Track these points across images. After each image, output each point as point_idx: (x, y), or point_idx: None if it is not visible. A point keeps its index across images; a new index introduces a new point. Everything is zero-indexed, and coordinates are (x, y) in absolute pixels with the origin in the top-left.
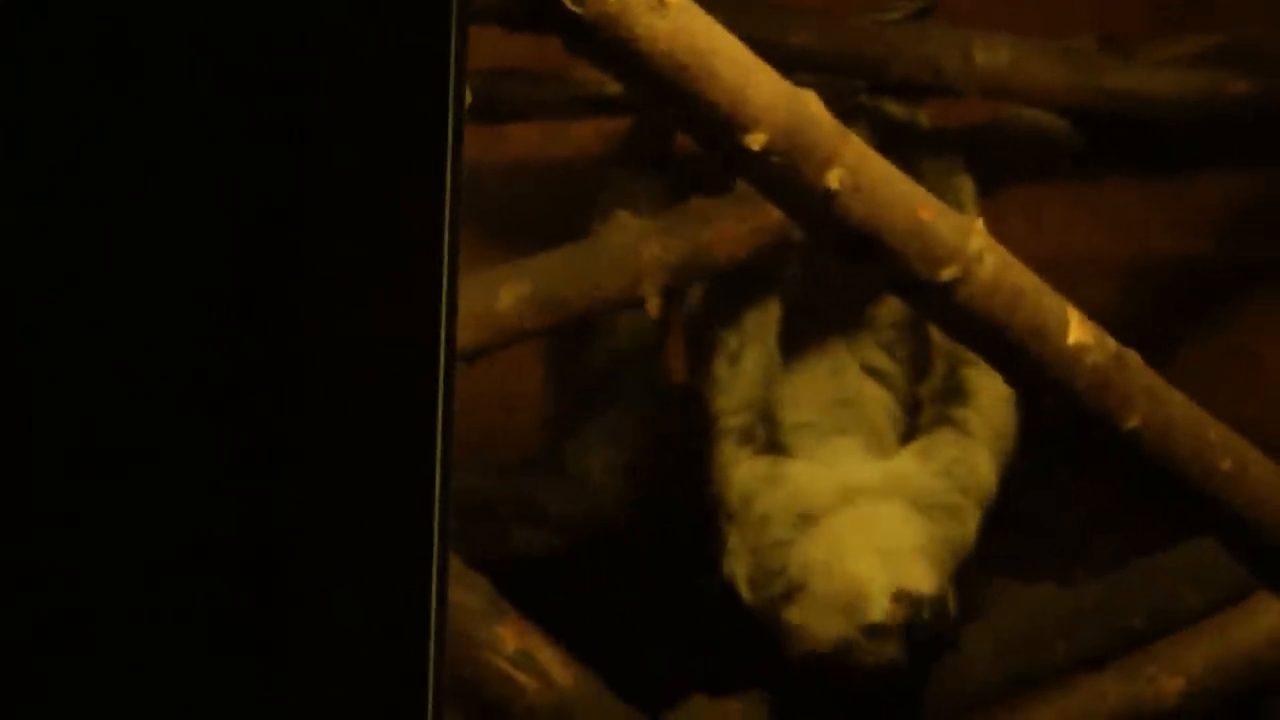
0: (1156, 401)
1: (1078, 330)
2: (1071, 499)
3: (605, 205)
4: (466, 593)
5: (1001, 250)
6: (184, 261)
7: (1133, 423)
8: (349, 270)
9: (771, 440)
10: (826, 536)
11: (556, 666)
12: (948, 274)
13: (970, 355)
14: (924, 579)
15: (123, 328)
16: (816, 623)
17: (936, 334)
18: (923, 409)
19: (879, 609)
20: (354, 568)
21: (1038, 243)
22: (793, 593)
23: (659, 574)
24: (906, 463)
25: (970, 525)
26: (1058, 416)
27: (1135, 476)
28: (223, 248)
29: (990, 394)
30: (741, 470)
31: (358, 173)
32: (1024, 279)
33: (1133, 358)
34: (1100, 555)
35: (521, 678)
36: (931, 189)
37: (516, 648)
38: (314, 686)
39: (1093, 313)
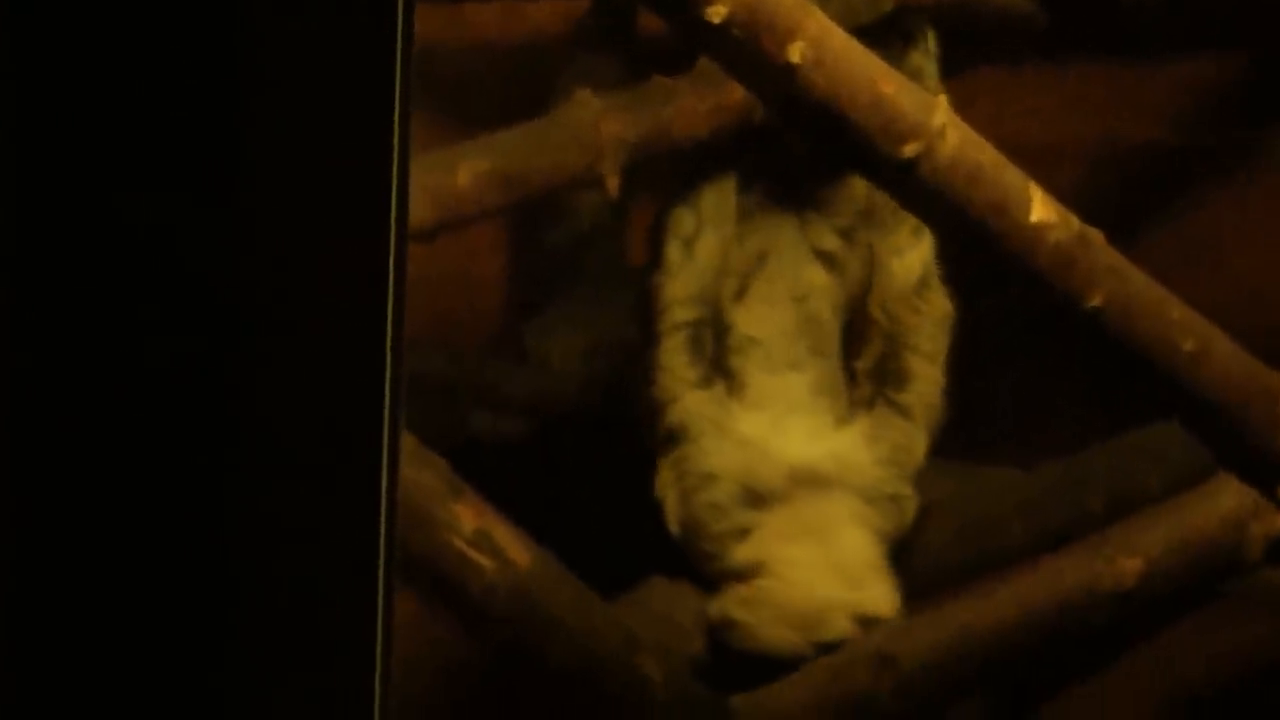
0: (1119, 281)
1: (1040, 208)
2: (1031, 381)
3: (566, 85)
4: (423, 472)
5: (964, 127)
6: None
7: (1095, 301)
8: (295, 148)
9: (719, 356)
10: (778, 537)
11: (514, 546)
12: (910, 150)
13: (911, 340)
14: (883, 599)
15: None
16: (768, 630)
17: (876, 309)
18: (859, 383)
19: (838, 629)
20: (304, 447)
21: (1003, 126)
22: (737, 583)
23: (618, 458)
24: (853, 447)
25: (910, 513)
26: (1020, 296)
27: (1097, 356)
28: (166, 123)
29: (928, 380)
30: (687, 399)
31: (303, 52)
32: (986, 156)
33: (1096, 237)
34: (1059, 438)
35: (479, 557)
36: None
37: (474, 527)
38: (262, 564)
39: (1057, 197)
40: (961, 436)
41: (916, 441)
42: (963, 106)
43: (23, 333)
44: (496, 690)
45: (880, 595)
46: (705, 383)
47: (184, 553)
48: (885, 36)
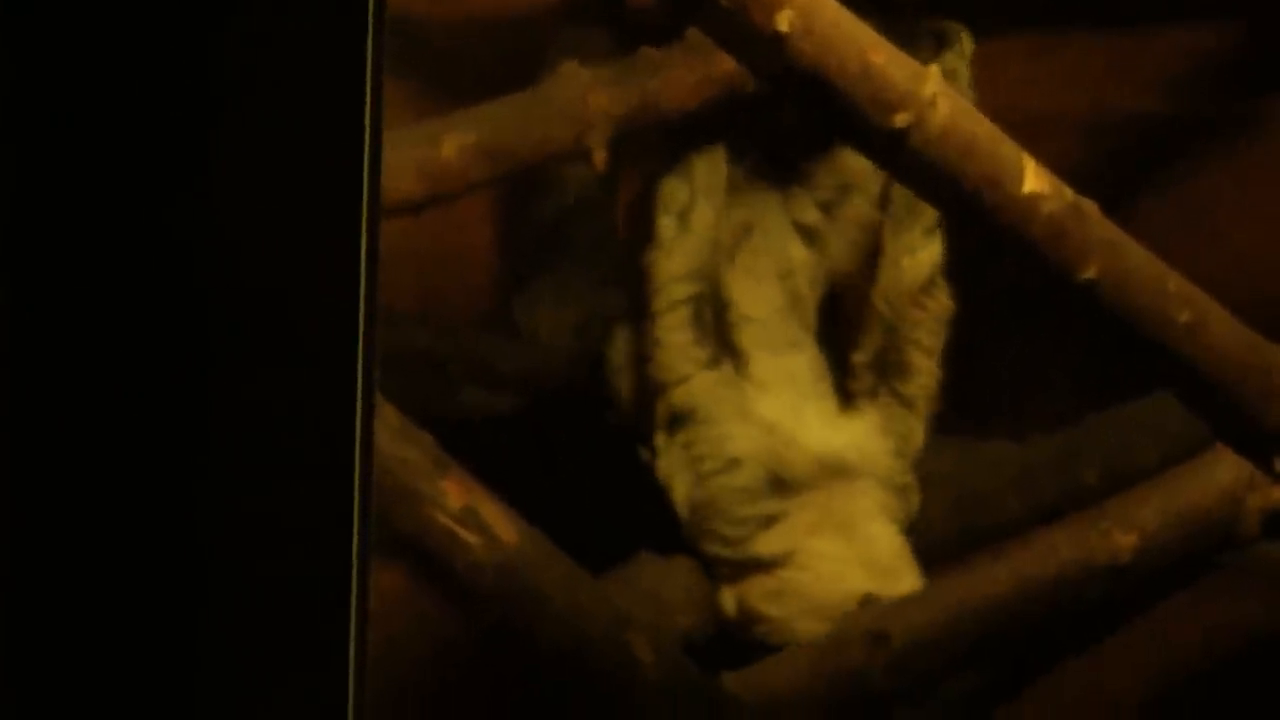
0: (1114, 252)
1: (1034, 179)
2: (1026, 353)
3: (553, 58)
4: (410, 448)
5: (956, 96)
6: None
7: (1089, 273)
8: (269, 121)
9: (719, 330)
10: (806, 527)
11: (502, 523)
12: (900, 120)
13: (914, 334)
14: (909, 589)
15: None
16: (800, 624)
17: (880, 302)
18: (858, 375)
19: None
20: (279, 413)
21: (997, 97)
22: (760, 573)
23: (608, 433)
24: (870, 437)
25: (915, 504)
26: (1014, 268)
27: (1092, 328)
28: (142, 86)
29: (928, 373)
30: (696, 380)
31: (277, 30)
32: (979, 126)
33: (1090, 208)
34: (1054, 411)
35: (466, 534)
36: None
37: (461, 504)
38: (239, 544)
39: (1053, 168)
40: (955, 410)
41: (917, 431)
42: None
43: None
44: (485, 666)
45: (909, 587)
46: (714, 362)
47: (162, 532)
48: (919, 38)
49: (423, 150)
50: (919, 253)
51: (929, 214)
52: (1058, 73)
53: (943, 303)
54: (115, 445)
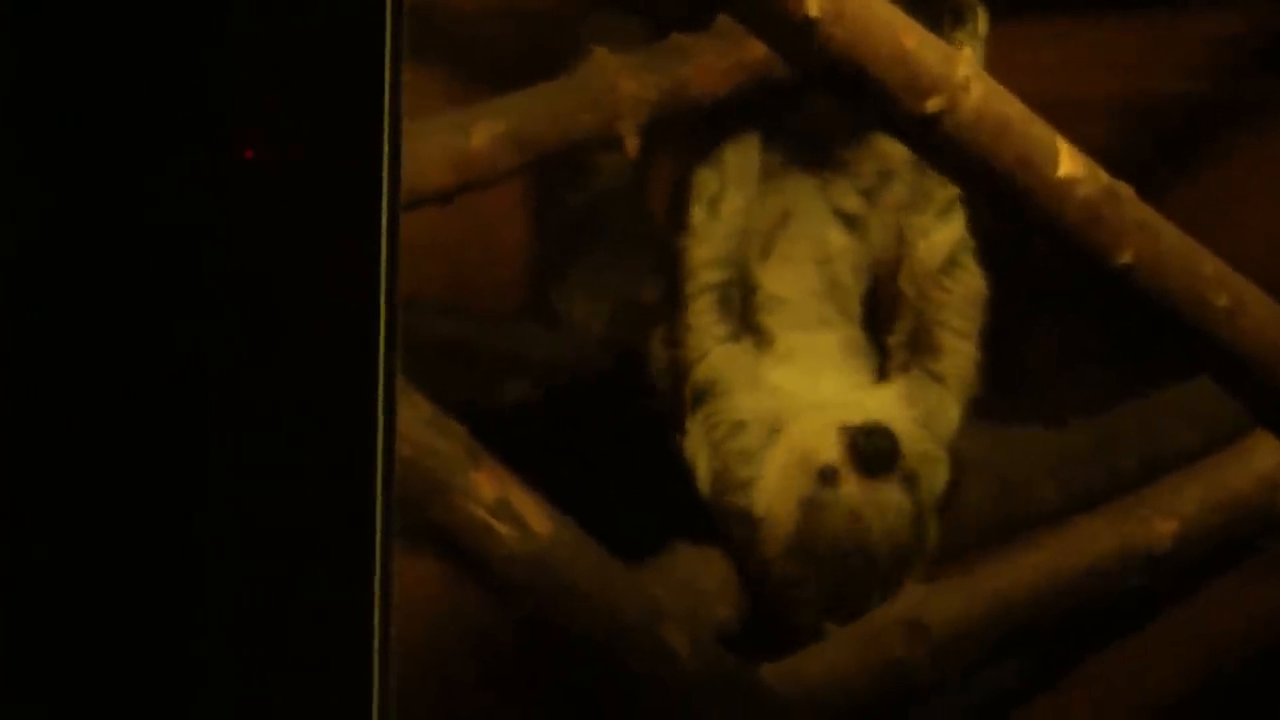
0: (1149, 236)
1: (1068, 162)
2: (1063, 339)
3: (584, 44)
4: (442, 440)
5: (989, 79)
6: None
7: (1125, 258)
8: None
9: (748, 314)
10: (790, 434)
11: (535, 514)
12: (933, 104)
13: (941, 315)
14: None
15: None
16: (776, 501)
17: (906, 284)
18: (893, 354)
19: (830, 449)
20: (300, 405)
21: (1029, 81)
22: (749, 487)
23: (643, 421)
24: (889, 403)
25: (941, 478)
26: (1048, 251)
27: (1129, 313)
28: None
29: (961, 354)
30: (715, 354)
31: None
32: (1012, 109)
33: (1125, 191)
34: (1092, 397)
35: (500, 526)
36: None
37: (494, 496)
38: (256, 538)
39: (1087, 152)
40: (992, 397)
41: (950, 408)
42: (992, 62)
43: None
44: (521, 657)
45: (871, 413)
46: (733, 338)
47: (183, 527)
48: (936, 13)
49: (453, 139)
50: (933, 234)
51: (942, 196)
52: (1089, 57)
53: (968, 284)
54: (135, 443)
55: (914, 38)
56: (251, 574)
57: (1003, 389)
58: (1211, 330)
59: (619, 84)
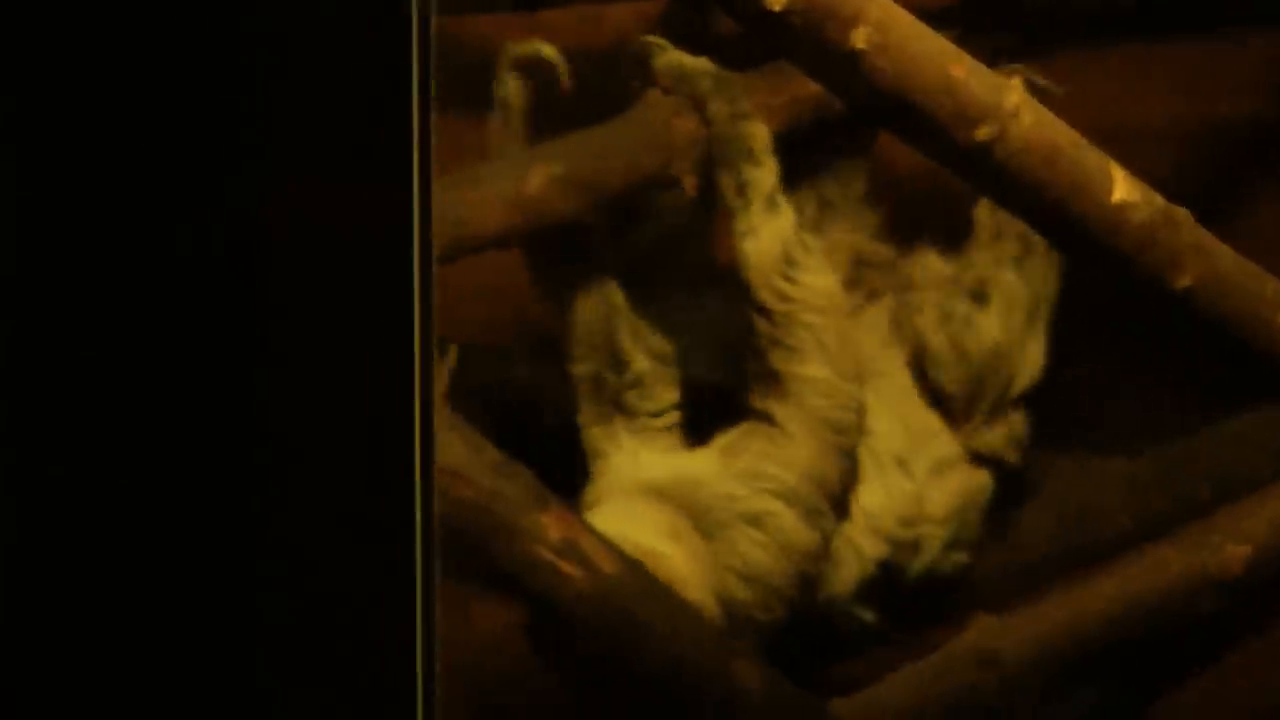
0: (1208, 259)
1: (1123, 188)
2: (1134, 366)
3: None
4: (509, 483)
5: (1039, 106)
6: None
7: (1184, 281)
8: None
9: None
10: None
11: (601, 555)
12: (983, 133)
13: (787, 339)
14: None
15: None
16: None
17: (751, 310)
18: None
19: None
20: (335, 449)
21: (1102, 107)
22: None
23: None
24: (706, 462)
25: (780, 527)
26: (1106, 277)
27: (1191, 337)
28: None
29: (803, 380)
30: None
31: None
32: (1063, 136)
33: (1182, 215)
34: (1167, 424)
35: (567, 567)
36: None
37: (560, 536)
38: (295, 564)
39: (1159, 177)
40: (1066, 425)
41: (788, 448)
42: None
43: (37, 337)
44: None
45: None
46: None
47: (219, 550)
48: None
49: (510, 183)
50: (761, 231)
51: (765, 183)
52: (1164, 80)
53: (812, 286)
54: (176, 468)
55: (962, 67)
56: (289, 602)
57: (1076, 417)
58: (1274, 352)
59: (674, 123)
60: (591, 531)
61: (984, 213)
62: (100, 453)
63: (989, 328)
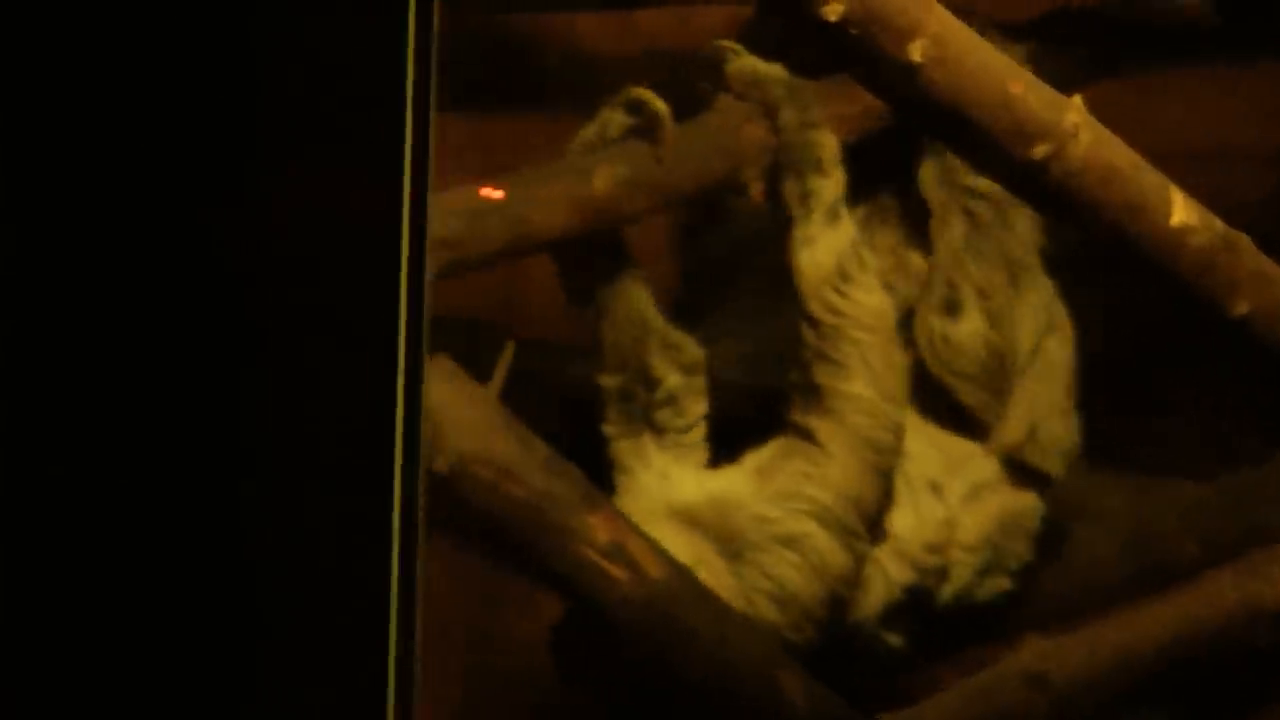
0: (1267, 286)
1: (1182, 211)
2: (1206, 391)
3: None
4: (558, 482)
5: (1098, 126)
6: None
7: (1242, 308)
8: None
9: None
10: None
11: (649, 558)
12: (1040, 151)
13: (827, 347)
14: None
15: None
16: None
17: (801, 323)
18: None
19: None
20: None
21: (1191, 131)
22: None
23: None
24: (740, 482)
25: (816, 548)
26: (1163, 301)
27: (1249, 364)
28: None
29: (848, 398)
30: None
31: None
32: (1122, 157)
33: (1243, 241)
34: (1238, 452)
35: (614, 569)
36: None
37: (609, 539)
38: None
39: (1246, 202)
40: (1135, 450)
41: (826, 466)
42: (1149, 111)
43: (31, 336)
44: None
45: None
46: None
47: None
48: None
49: (575, 184)
50: (819, 242)
51: (829, 194)
52: (1251, 103)
53: (863, 302)
54: (175, 468)
55: (1020, 84)
56: (279, 602)
57: (1146, 442)
58: None
59: (744, 129)
60: (640, 534)
61: (929, 188)
62: (100, 453)
63: (971, 334)
